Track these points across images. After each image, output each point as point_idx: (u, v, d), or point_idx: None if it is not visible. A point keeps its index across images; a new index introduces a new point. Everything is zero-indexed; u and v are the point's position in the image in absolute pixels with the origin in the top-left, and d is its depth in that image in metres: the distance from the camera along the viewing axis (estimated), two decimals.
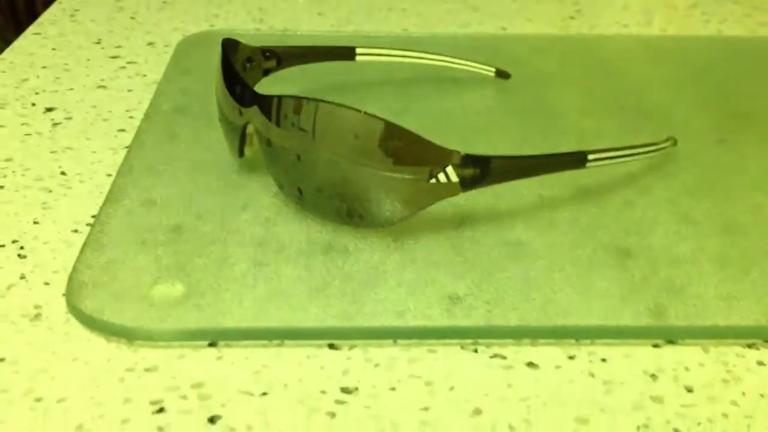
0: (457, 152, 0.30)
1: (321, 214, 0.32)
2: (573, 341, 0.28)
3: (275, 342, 0.27)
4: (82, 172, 0.36)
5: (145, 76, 0.46)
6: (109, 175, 0.36)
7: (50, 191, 0.35)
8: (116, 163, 0.37)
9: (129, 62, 0.47)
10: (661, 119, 0.42)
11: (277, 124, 0.31)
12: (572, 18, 0.58)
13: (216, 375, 0.26)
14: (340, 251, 0.31)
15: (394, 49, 0.43)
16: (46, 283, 0.30)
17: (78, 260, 0.30)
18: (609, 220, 0.34)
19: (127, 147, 0.38)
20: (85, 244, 0.31)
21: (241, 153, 0.35)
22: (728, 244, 0.32)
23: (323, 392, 0.25)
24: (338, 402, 0.25)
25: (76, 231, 0.32)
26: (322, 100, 0.30)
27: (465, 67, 0.45)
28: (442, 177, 0.30)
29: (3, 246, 0.31)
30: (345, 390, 0.26)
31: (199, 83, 0.44)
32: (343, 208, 0.31)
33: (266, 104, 0.31)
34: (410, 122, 0.41)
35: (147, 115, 0.40)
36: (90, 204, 0.34)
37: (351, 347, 0.27)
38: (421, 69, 0.46)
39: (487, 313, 0.28)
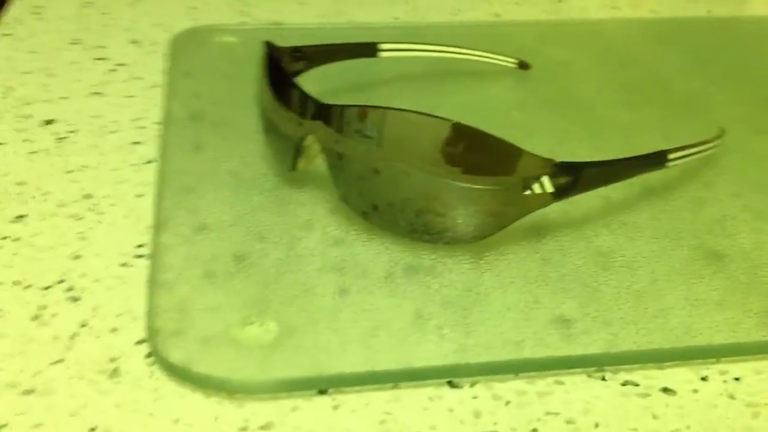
0: (551, 160, 0.28)
1: (395, 230, 0.30)
2: (700, 360, 0.26)
3: (388, 384, 0.25)
4: (109, 194, 0.33)
5: (141, 79, 0.42)
6: (140, 195, 0.33)
7: (81, 218, 0.31)
8: (143, 182, 0.33)
9: (118, 64, 0.43)
10: (696, 106, 0.41)
11: (348, 135, 0.28)
12: (560, 0, 0.56)
13: (340, 427, 0.23)
14: (428, 272, 0.29)
15: (417, 43, 0.41)
16: (114, 330, 0.26)
17: (150, 302, 0.26)
18: (687, 220, 0.32)
19: (148, 162, 0.35)
20: (150, 283, 0.27)
21: (293, 166, 0.32)
22: None
23: None
24: None
25: (125, 264, 0.29)
26: (399, 109, 0.28)
27: (485, 59, 0.43)
28: (537, 187, 0.28)
29: (49, 287, 0.28)
30: None
31: (206, 86, 0.40)
32: (421, 224, 0.29)
33: (334, 115, 0.28)
34: None
35: (164, 125, 0.36)
36: (130, 231, 0.31)
37: (472, 384, 0.25)
38: (435, 62, 0.44)
39: (610, 337, 0.26)
